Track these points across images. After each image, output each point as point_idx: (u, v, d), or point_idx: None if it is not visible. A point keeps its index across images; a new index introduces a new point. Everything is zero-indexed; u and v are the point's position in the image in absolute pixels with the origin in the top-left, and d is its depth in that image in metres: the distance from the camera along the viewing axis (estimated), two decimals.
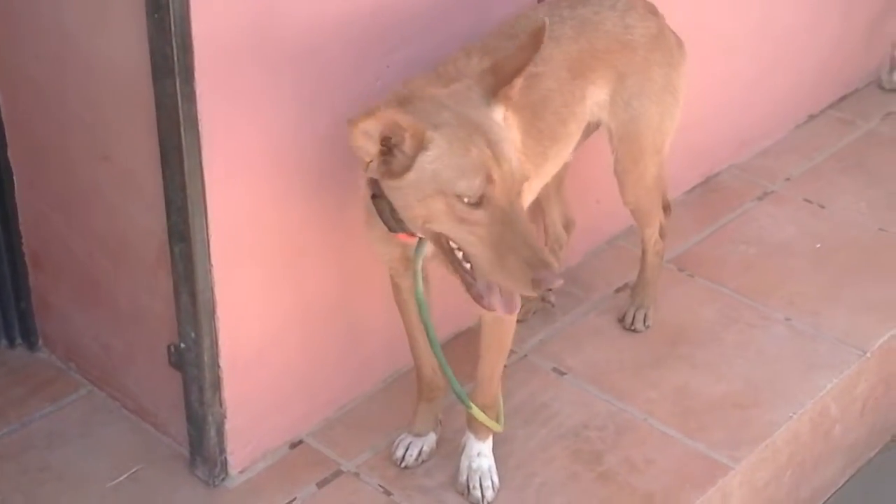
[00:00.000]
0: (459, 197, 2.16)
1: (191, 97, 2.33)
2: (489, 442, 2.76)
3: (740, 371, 3.17)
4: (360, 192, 2.43)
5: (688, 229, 3.75)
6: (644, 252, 3.24)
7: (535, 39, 2.26)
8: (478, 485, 2.72)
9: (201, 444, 2.71)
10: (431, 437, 2.84)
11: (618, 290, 3.45)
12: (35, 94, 2.74)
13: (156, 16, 2.26)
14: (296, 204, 2.62)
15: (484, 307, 2.31)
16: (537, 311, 3.34)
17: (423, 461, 2.82)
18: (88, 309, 2.93)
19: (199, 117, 2.37)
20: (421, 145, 2.16)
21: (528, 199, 2.62)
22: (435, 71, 2.47)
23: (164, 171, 2.43)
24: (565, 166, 3.10)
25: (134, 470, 2.80)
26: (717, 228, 3.78)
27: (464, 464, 2.76)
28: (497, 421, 2.74)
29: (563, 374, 3.15)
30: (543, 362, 3.18)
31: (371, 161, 2.20)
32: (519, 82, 2.28)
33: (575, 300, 3.42)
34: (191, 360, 2.62)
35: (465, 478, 2.74)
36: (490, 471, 2.74)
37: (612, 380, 3.12)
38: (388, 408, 2.96)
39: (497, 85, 2.27)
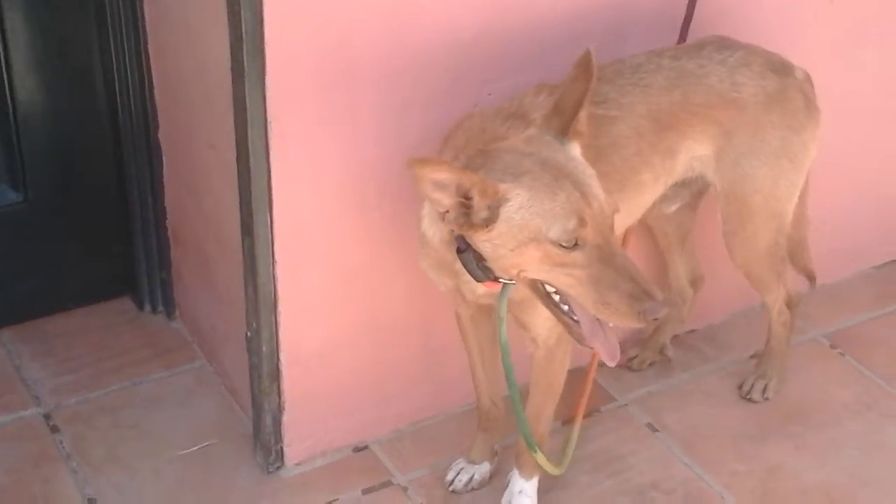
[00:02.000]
0: (555, 242, 2.14)
1: (260, 99, 2.44)
2: (534, 481, 2.71)
3: (849, 462, 2.93)
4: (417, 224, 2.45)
5: (860, 306, 3.50)
6: (770, 321, 3.05)
7: (586, 70, 2.21)
8: None
9: (259, 431, 2.83)
10: (485, 467, 2.81)
11: (752, 356, 3.26)
12: (175, 83, 2.95)
13: (233, 23, 2.38)
14: (369, 217, 2.68)
15: (587, 347, 2.28)
16: (654, 363, 3.22)
17: (472, 489, 2.81)
18: (204, 287, 3.12)
19: (269, 120, 2.47)
20: (496, 198, 2.15)
21: None
22: (499, 106, 2.45)
23: (238, 167, 2.56)
24: (689, 220, 2.99)
25: (207, 444, 2.94)
26: (894, 310, 3.48)
27: (505, 499, 2.73)
28: (557, 463, 2.69)
29: (655, 430, 3.03)
30: (641, 415, 3.07)
31: (447, 212, 2.19)
32: (584, 115, 2.23)
33: (701, 359, 3.28)
34: (254, 348, 2.73)
35: None
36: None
37: (703, 445, 2.97)
38: (462, 432, 2.95)
39: (564, 123, 2.24)
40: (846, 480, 2.88)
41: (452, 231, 2.28)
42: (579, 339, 2.26)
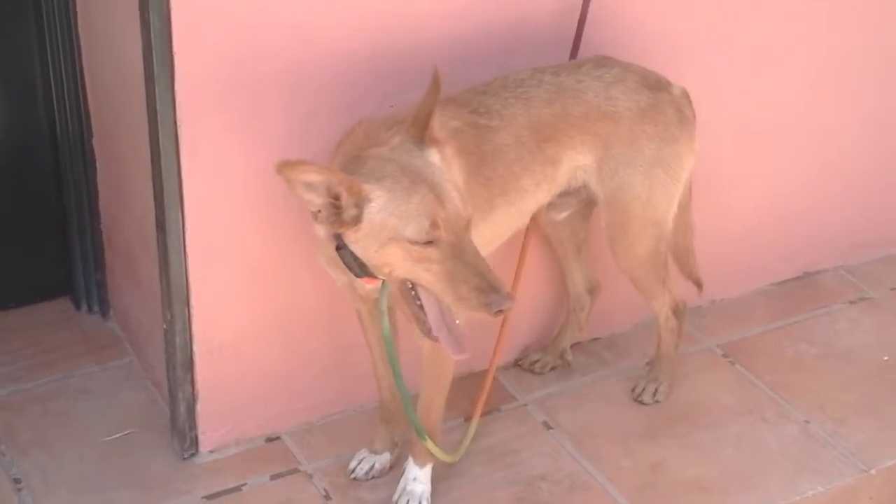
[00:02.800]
0: (411, 241, 2.38)
1: (170, 104, 2.66)
2: (428, 469, 2.91)
3: (726, 459, 3.14)
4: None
5: (755, 320, 3.71)
6: (658, 328, 3.27)
7: (434, 85, 2.44)
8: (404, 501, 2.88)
9: (175, 419, 3.02)
10: (385, 457, 3.01)
11: (647, 363, 3.47)
12: (103, 90, 3.17)
13: (144, 31, 2.61)
14: (276, 217, 2.88)
15: (432, 339, 2.51)
16: (555, 367, 3.43)
17: (372, 477, 3.00)
18: (132, 286, 3.32)
19: (179, 123, 2.69)
20: (360, 198, 2.39)
21: (482, 245, 2.76)
22: (387, 115, 2.68)
23: (151, 166, 2.77)
24: (582, 229, 3.20)
25: (129, 432, 3.14)
26: (786, 324, 3.71)
27: (400, 485, 2.92)
28: (451, 452, 2.91)
29: (550, 428, 3.23)
30: (538, 414, 3.28)
31: (319, 211, 2.42)
32: (436, 124, 2.47)
33: (601, 364, 3.49)
34: (169, 339, 2.94)
35: (397, 497, 2.90)
36: (422, 496, 2.89)
37: (593, 443, 3.18)
38: (369, 426, 3.14)
39: (420, 132, 2.47)
40: (720, 475, 3.09)
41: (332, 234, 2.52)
42: (426, 333, 2.49)
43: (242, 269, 2.93)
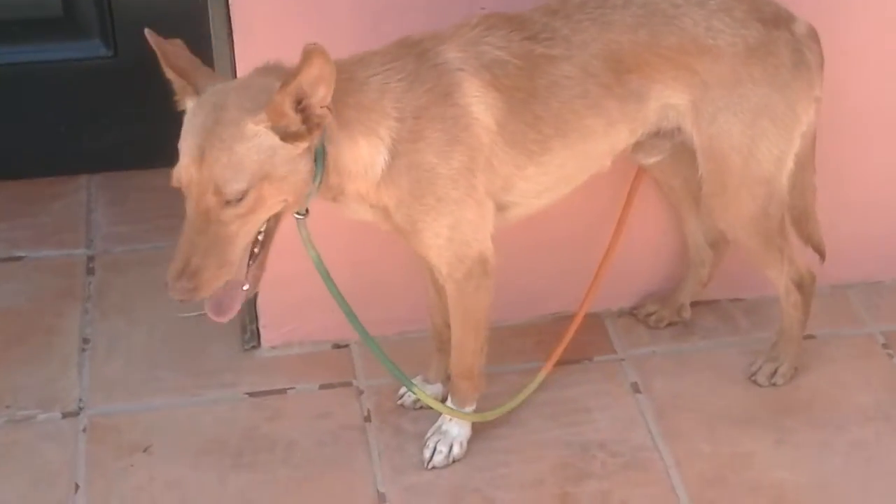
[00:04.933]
0: None
1: None
2: (468, 410, 2.66)
3: (827, 468, 2.68)
4: None
5: None
6: (781, 300, 2.81)
7: (303, 61, 2.06)
8: (433, 445, 2.66)
9: None
10: (437, 388, 2.80)
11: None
12: None
13: None
14: None
15: None
16: (673, 323, 3.05)
17: (419, 407, 2.79)
18: None
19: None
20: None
21: (540, 192, 2.47)
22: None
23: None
24: (694, 176, 2.76)
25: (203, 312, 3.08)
26: None
27: (437, 423, 2.70)
28: (506, 401, 2.69)
29: (637, 391, 2.89)
30: (631, 372, 2.94)
31: None
32: (284, 104, 2.09)
33: (730, 329, 3.08)
34: None
35: (430, 434, 2.69)
36: (455, 438, 2.66)
37: (677, 417, 2.81)
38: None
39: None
40: (810, 486, 2.64)
41: None
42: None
43: None
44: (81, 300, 3.14)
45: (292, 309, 2.94)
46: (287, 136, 2.11)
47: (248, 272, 2.24)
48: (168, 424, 2.79)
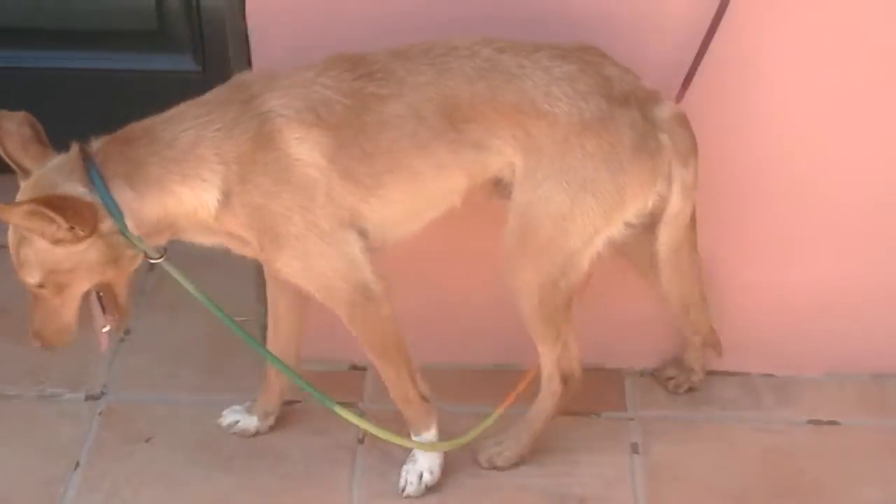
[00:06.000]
0: None
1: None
2: (427, 437, 2.70)
3: None
4: None
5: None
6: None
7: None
8: (404, 474, 2.73)
9: None
10: (252, 420, 2.91)
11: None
12: None
13: None
14: None
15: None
16: (693, 389, 2.99)
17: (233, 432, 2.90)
18: None
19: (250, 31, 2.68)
20: None
21: (393, 222, 2.52)
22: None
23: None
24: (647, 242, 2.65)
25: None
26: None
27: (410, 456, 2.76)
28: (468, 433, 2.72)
29: (635, 452, 2.86)
30: (634, 433, 2.91)
31: None
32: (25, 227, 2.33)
33: (753, 404, 3.00)
34: None
35: (406, 462, 2.76)
36: (424, 467, 2.71)
37: (668, 486, 2.77)
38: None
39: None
40: None
41: None
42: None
43: None
44: (136, 294, 3.30)
45: (316, 327, 3.01)
46: (56, 242, 2.31)
47: (105, 319, 2.51)
48: (174, 419, 2.93)
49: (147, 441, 2.87)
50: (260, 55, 2.71)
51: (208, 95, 2.45)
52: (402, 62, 2.43)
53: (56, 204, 2.27)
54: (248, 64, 2.73)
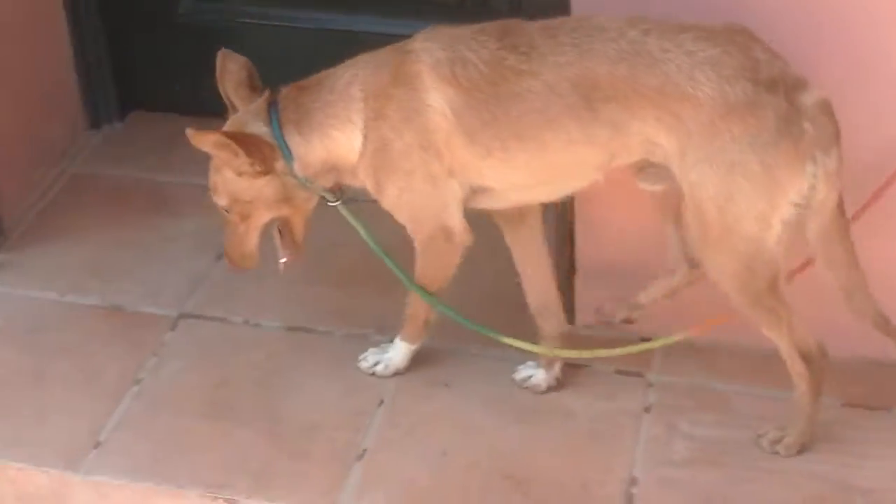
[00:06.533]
0: None
1: None
2: (404, 345, 3.01)
3: None
4: None
5: None
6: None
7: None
8: (369, 355, 3.08)
9: None
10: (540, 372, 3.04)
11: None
12: None
13: None
14: None
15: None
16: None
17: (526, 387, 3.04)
18: None
19: None
20: None
21: (510, 186, 2.71)
22: None
23: None
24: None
25: None
26: None
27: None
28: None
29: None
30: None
31: None
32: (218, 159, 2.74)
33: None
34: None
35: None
36: (386, 359, 3.04)
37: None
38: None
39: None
40: None
41: None
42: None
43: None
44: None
45: (610, 296, 3.12)
46: (241, 174, 2.68)
47: (283, 252, 2.86)
48: (474, 370, 3.10)
49: (446, 385, 3.05)
50: None
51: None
52: (547, 39, 2.57)
53: (240, 139, 2.62)
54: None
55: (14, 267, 3.49)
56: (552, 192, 2.77)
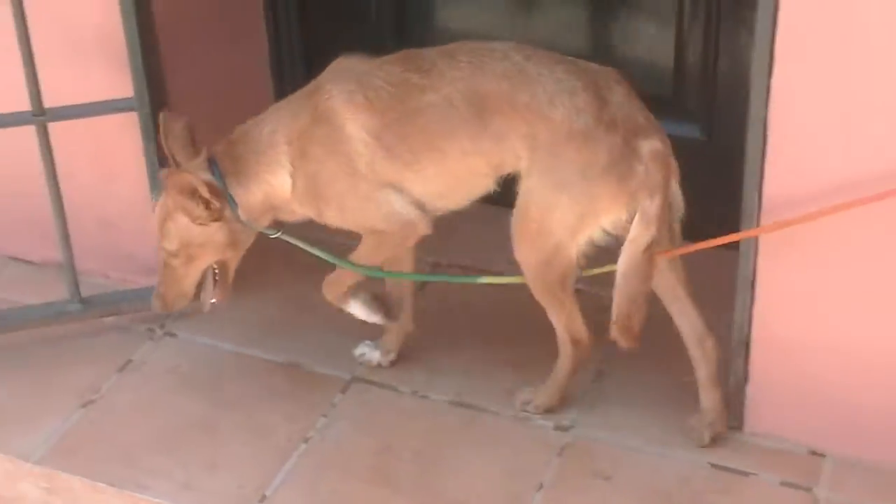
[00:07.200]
0: None
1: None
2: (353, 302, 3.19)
3: None
4: None
5: None
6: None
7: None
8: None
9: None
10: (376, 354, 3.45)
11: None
12: None
13: None
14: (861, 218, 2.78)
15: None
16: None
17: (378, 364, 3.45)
18: None
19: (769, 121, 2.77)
20: None
21: (429, 194, 2.98)
22: None
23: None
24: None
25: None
26: None
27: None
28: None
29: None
30: None
31: None
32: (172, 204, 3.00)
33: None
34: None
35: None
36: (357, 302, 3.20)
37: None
38: None
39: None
40: None
41: None
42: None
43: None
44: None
45: (782, 406, 3.08)
46: (194, 220, 2.94)
47: (214, 292, 3.09)
48: (635, 465, 3.10)
49: (606, 479, 3.05)
50: (777, 137, 2.80)
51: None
52: (446, 59, 2.88)
53: (209, 186, 2.91)
54: (763, 142, 2.82)
55: (199, 315, 3.63)
56: (459, 201, 3.01)
